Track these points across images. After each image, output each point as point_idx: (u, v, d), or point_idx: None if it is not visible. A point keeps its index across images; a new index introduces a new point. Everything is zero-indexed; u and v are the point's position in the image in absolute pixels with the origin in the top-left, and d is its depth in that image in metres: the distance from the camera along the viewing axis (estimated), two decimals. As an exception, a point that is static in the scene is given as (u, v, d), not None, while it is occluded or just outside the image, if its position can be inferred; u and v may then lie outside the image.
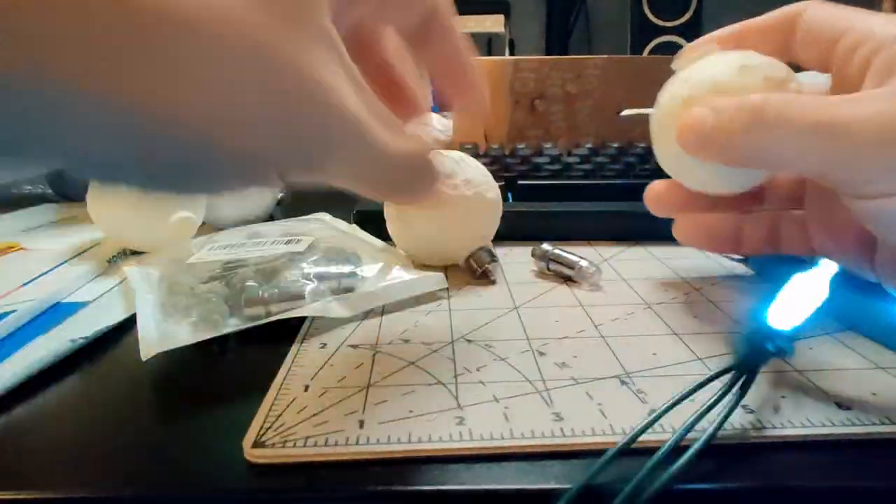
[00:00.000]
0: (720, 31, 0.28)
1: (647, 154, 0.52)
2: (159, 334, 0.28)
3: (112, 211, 0.37)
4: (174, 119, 0.13)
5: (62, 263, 0.37)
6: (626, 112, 0.64)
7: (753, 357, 0.21)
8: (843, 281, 0.25)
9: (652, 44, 1.21)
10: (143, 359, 0.25)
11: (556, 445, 0.20)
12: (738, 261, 0.37)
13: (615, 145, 0.54)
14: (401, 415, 0.22)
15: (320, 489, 0.19)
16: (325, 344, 0.27)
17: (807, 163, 0.22)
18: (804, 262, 0.34)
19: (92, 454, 0.21)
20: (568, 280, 0.35)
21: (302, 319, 0.30)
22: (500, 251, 0.40)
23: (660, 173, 0.45)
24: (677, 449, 0.18)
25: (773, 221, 0.31)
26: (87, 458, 0.20)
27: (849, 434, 0.20)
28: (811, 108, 0.21)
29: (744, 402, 0.20)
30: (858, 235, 0.26)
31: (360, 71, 0.18)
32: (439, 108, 0.95)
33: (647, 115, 0.28)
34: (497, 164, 0.49)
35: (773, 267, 0.34)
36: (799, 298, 0.22)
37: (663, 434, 0.20)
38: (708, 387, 0.21)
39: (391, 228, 0.37)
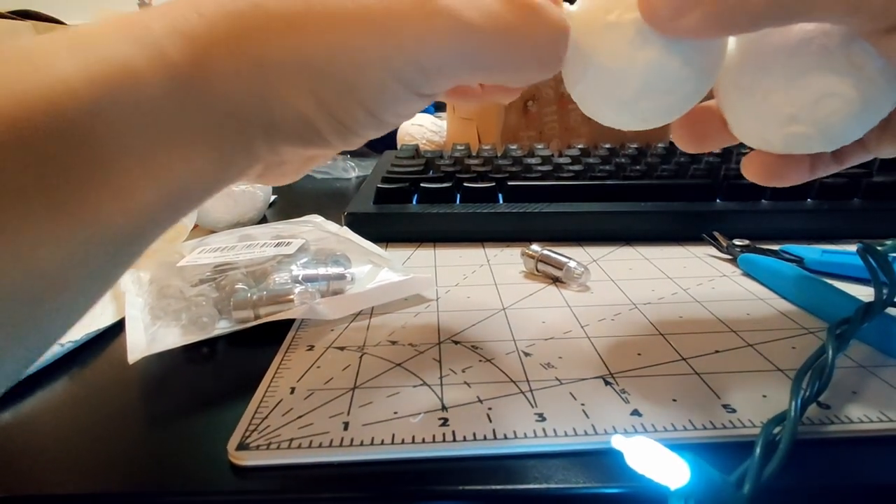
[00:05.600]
0: None
1: (638, 155, 0.52)
2: (148, 338, 0.28)
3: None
4: None
5: (54, 267, 0.37)
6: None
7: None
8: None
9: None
10: (130, 362, 0.25)
11: (537, 446, 0.20)
12: (726, 260, 0.38)
13: (606, 146, 0.54)
14: (385, 416, 0.22)
15: (303, 491, 0.19)
16: (312, 346, 0.28)
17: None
18: (789, 261, 0.34)
19: (78, 456, 0.21)
20: (556, 281, 0.35)
21: (290, 321, 0.30)
22: (490, 252, 0.40)
23: (651, 173, 0.45)
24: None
25: None
26: (74, 460, 0.21)
27: None
28: None
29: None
30: None
31: None
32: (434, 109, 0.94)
33: None
34: (489, 165, 0.49)
35: (759, 267, 0.34)
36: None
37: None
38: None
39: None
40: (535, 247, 0.36)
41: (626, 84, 0.19)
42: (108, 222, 0.15)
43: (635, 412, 0.22)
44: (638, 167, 0.47)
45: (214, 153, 0.17)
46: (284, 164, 0.23)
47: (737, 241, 0.38)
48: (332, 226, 0.44)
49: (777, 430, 0.19)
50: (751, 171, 0.23)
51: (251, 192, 0.47)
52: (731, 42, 0.20)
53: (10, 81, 0.13)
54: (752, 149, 0.22)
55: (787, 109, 0.19)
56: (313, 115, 0.17)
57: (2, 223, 0.13)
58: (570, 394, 0.23)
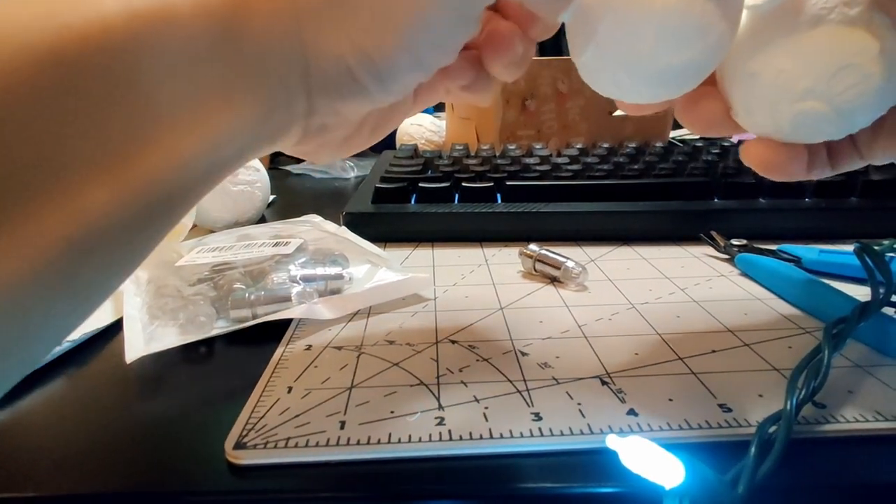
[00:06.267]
0: None
1: (637, 154, 0.52)
2: (146, 337, 0.28)
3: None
4: None
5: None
6: (618, 112, 0.64)
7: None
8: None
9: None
10: (128, 361, 0.25)
11: (533, 445, 0.20)
12: (723, 260, 0.38)
13: (605, 145, 0.54)
14: (382, 416, 0.22)
15: (300, 490, 0.19)
16: (310, 346, 0.28)
17: None
18: (786, 261, 0.34)
19: (76, 456, 0.21)
20: (554, 280, 0.35)
21: (288, 321, 0.30)
22: (488, 252, 0.40)
23: (649, 171, 0.45)
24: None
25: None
26: (72, 460, 0.21)
27: None
28: None
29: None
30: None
31: None
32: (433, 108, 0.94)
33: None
34: (487, 165, 0.49)
35: (756, 267, 0.34)
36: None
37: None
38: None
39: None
40: (533, 246, 0.36)
41: (644, 35, 0.18)
42: (154, 173, 0.15)
43: (631, 412, 0.22)
44: (636, 166, 0.47)
45: (254, 100, 0.16)
46: (326, 132, 0.21)
47: (734, 241, 0.38)
48: (330, 225, 0.44)
49: (772, 429, 0.19)
50: (749, 158, 0.22)
51: (249, 191, 0.47)
52: (742, 17, 0.19)
53: (49, 15, 0.13)
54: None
55: (802, 83, 0.18)
56: (348, 56, 0.17)
57: (48, 161, 0.13)
58: (567, 393, 0.23)
